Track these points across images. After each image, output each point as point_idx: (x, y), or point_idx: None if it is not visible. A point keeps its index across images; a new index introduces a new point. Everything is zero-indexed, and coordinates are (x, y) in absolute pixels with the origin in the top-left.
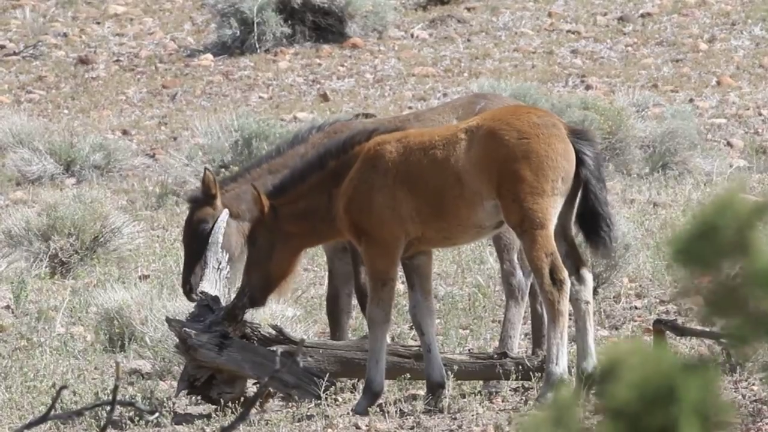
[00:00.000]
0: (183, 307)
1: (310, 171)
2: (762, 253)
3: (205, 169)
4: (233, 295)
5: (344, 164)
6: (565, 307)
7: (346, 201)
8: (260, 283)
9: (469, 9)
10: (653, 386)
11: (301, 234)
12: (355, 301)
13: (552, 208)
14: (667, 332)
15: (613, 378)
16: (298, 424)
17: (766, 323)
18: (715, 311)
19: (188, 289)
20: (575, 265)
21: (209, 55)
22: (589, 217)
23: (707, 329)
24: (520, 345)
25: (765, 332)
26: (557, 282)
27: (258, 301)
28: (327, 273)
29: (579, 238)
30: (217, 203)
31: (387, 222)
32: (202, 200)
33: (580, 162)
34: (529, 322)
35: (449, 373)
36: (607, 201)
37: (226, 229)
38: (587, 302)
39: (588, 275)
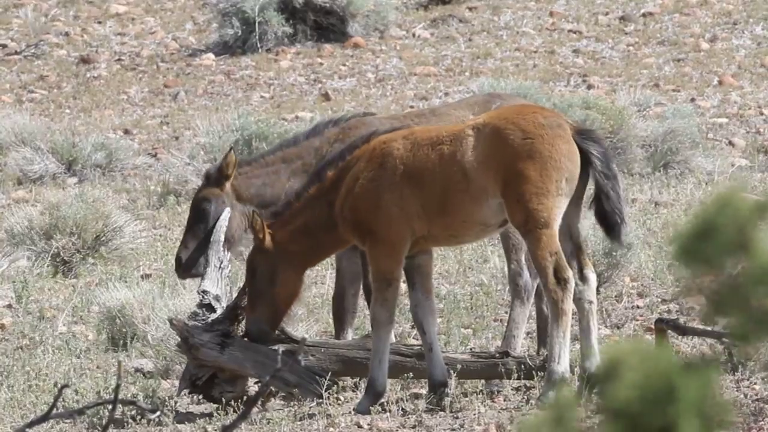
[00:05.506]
0: (185, 306)
1: (308, 186)
2: (762, 251)
3: (231, 148)
4: (233, 295)
5: (343, 170)
6: (569, 306)
7: (353, 200)
8: (268, 313)
9: (470, 8)
10: (653, 386)
11: (304, 251)
12: (361, 301)
13: (556, 208)
14: (669, 331)
15: (614, 378)
16: (299, 422)
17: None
18: (717, 310)
19: (178, 263)
20: (580, 265)
21: (211, 55)
22: (604, 215)
23: (709, 329)
24: (522, 344)
25: (766, 331)
26: (561, 281)
27: (268, 334)
28: (335, 272)
29: (586, 232)
30: (226, 185)
31: (395, 220)
32: (214, 179)
33: (588, 162)
34: (532, 321)
35: (452, 372)
36: (620, 197)
37: (230, 211)
38: (591, 302)
39: (592, 275)
